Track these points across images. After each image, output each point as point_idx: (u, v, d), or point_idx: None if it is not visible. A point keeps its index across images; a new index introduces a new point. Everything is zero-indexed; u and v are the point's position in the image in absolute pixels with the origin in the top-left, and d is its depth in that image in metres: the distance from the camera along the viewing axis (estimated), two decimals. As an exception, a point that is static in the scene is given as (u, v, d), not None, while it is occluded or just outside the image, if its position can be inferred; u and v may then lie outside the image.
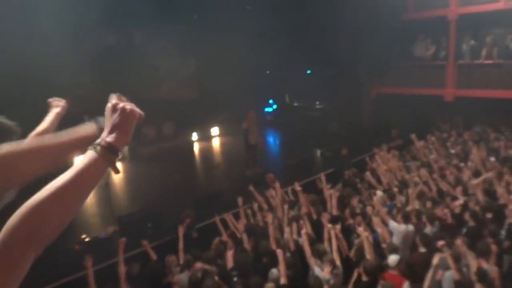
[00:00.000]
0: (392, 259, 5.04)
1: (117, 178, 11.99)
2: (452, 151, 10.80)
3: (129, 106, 1.21)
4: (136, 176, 12.07)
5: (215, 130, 16.47)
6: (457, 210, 6.64)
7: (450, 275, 4.82)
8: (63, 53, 11.66)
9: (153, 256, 6.19)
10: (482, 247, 5.23)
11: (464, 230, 6.16)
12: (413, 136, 11.18)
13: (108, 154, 1.14)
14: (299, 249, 5.88)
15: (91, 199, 10.16)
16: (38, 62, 11.20)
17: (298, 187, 7.78)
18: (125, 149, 13.64)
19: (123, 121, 1.18)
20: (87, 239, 7.70)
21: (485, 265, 4.86)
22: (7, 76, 10.45)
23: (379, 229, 6.12)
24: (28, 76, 10.88)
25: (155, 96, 14.73)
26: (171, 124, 16.07)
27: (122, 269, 5.57)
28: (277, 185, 8.25)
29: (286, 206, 7.11)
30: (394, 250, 5.37)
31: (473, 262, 4.86)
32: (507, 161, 9.21)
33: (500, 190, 7.03)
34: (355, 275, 5.12)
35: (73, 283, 6.32)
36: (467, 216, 6.30)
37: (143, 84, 14.03)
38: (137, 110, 1.23)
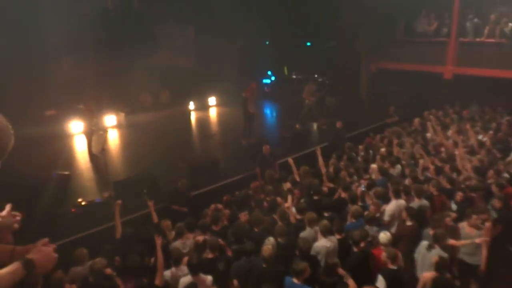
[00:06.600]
0: (383, 236, 5.09)
1: (113, 144, 12.04)
2: (449, 129, 10.86)
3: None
4: (132, 143, 12.09)
5: (212, 100, 16.36)
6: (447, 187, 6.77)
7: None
8: (61, 15, 11.44)
9: (155, 218, 6.31)
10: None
11: (454, 206, 6.30)
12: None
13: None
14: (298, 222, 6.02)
15: (87, 164, 10.25)
16: (36, 25, 11.00)
17: (290, 160, 8.05)
18: (122, 115, 13.65)
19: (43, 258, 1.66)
20: (83, 203, 7.80)
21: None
22: (5, 38, 10.32)
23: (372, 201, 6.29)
24: (26, 39, 10.71)
25: (152, 62, 14.56)
26: (168, 92, 15.95)
27: (119, 230, 5.65)
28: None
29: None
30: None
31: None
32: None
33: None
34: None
35: (70, 244, 6.45)
36: (457, 193, 6.43)
37: (140, 49, 13.84)
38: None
